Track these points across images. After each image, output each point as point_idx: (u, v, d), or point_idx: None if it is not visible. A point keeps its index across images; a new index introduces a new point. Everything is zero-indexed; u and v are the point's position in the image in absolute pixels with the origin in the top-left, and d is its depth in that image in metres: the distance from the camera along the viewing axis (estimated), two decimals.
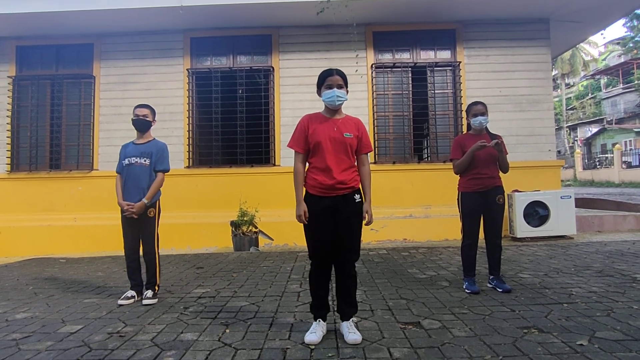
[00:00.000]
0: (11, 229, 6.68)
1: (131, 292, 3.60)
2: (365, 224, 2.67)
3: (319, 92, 2.69)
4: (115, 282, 4.34)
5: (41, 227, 6.67)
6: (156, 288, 3.62)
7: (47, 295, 3.90)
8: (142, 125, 3.68)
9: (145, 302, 3.48)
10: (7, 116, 7.00)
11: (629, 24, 22.47)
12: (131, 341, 2.63)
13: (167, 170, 3.74)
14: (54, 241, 6.60)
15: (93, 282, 4.38)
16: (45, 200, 6.87)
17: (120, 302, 3.50)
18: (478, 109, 3.63)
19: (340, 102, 2.62)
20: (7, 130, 6.99)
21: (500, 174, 3.68)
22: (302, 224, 2.64)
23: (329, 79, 2.62)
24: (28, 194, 6.90)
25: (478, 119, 3.61)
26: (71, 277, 4.71)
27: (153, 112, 3.76)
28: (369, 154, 2.78)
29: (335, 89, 2.60)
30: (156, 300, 3.53)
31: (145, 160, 3.62)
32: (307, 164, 2.69)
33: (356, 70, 6.60)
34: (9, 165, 6.97)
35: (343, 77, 2.65)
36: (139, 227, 3.63)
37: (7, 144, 6.97)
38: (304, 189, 2.66)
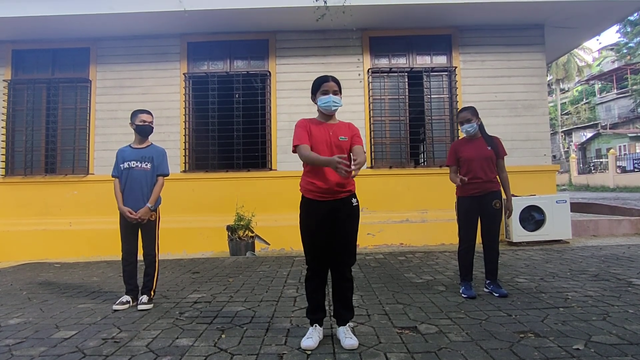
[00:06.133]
0: (6, 234, 6.63)
1: (126, 297, 3.57)
2: (355, 165, 2.36)
3: (313, 98, 2.71)
4: (110, 287, 4.31)
5: (36, 231, 6.62)
6: (152, 293, 3.60)
7: (41, 300, 3.86)
8: (148, 131, 3.70)
9: (140, 307, 3.45)
10: (2, 120, 6.97)
11: (622, 30, 22.74)
12: (126, 347, 2.60)
13: (167, 175, 3.77)
14: (48, 246, 6.55)
15: (88, 287, 4.34)
16: (40, 204, 6.83)
17: (115, 307, 3.47)
18: (463, 116, 3.67)
19: (335, 108, 2.64)
20: (2, 134, 6.96)
21: (498, 179, 3.69)
22: (299, 230, 2.64)
23: (324, 85, 2.64)
24: (23, 198, 6.85)
25: (464, 127, 3.66)
26: (66, 282, 4.67)
27: (153, 117, 3.79)
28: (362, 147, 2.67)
29: (330, 94, 2.62)
30: (151, 305, 3.51)
31: (146, 165, 3.62)
32: (303, 168, 2.69)
33: (359, 74, 6.66)
34: (4, 170, 6.93)
35: (338, 83, 2.69)
36: (139, 231, 3.63)
37: (2, 147, 6.94)
38: (301, 193, 2.66)
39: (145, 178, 3.61)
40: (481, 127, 3.70)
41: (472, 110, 3.65)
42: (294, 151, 2.62)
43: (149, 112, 3.74)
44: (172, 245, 6.33)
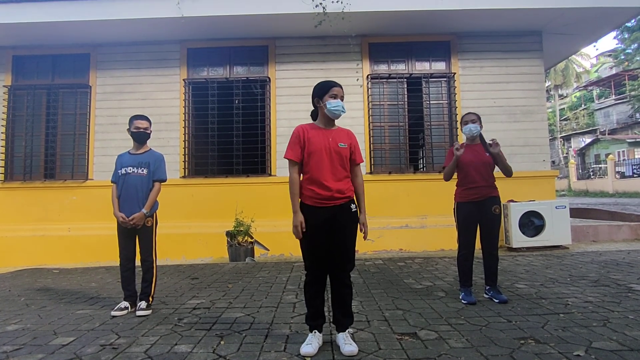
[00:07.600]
0: (4, 239, 6.60)
1: (125, 303, 3.56)
2: (364, 238, 2.68)
3: (319, 101, 2.68)
4: (108, 293, 4.29)
5: (35, 237, 6.60)
6: (150, 299, 3.58)
7: (39, 306, 3.85)
8: (143, 137, 3.70)
9: (138, 313, 3.44)
10: (2, 125, 6.97)
11: (620, 36, 22.90)
12: (124, 353, 2.59)
13: (164, 180, 3.75)
14: (47, 251, 6.53)
15: (86, 293, 4.32)
16: (39, 210, 6.82)
17: (113, 313, 3.46)
18: (469, 116, 3.72)
19: (343, 114, 2.67)
20: (2, 140, 6.96)
21: (497, 183, 3.69)
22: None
23: (335, 89, 2.66)
24: (22, 204, 6.84)
25: (468, 127, 3.67)
26: (64, 287, 4.66)
27: (150, 123, 3.78)
28: (360, 165, 2.81)
29: (339, 99, 2.64)
30: (150, 311, 3.49)
31: (142, 170, 3.62)
32: (302, 175, 2.69)
33: (357, 80, 6.72)
34: (3, 175, 6.93)
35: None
36: (137, 237, 3.62)
37: (2, 153, 6.93)
38: (300, 199, 2.66)
39: (141, 184, 3.60)
40: (481, 135, 3.72)
41: (478, 115, 3.73)
42: (286, 157, 2.68)
43: (145, 118, 3.73)
44: (171, 251, 6.31)
